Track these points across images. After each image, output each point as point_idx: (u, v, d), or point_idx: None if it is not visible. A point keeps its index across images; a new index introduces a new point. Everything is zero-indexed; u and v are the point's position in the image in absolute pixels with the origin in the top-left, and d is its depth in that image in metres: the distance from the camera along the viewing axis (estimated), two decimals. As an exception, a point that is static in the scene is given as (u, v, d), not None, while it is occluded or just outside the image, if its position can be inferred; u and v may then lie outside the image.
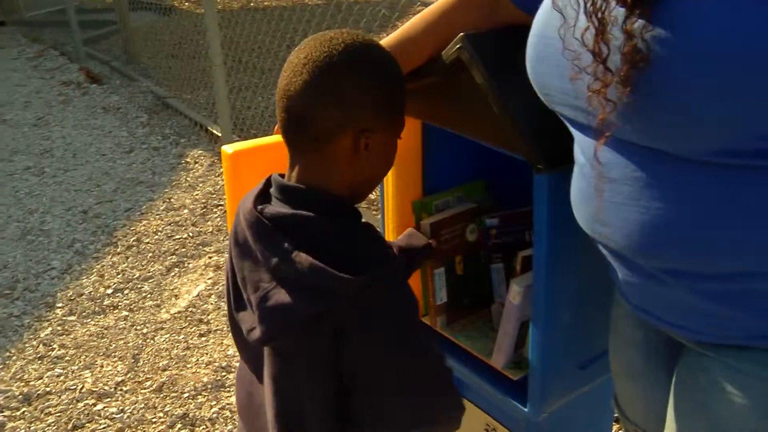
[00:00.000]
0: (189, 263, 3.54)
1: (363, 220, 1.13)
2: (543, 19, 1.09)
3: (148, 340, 3.00)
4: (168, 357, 2.89)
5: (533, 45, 1.10)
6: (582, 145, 1.06)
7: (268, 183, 1.15)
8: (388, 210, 1.62)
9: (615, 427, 2.28)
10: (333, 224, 1.06)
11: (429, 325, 1.61)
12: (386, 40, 1.38)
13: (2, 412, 2.64)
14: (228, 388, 2.68)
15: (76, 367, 2.87)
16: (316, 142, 1.09)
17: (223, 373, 2.76)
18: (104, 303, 3.27)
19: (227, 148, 1.37)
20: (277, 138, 1.40)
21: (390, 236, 1.65)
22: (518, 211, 1.61)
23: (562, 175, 1.17)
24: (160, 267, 3.53)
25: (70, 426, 2.55)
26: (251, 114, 5.08)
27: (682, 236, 0.95)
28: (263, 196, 1.13)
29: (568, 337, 1.38)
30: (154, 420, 2.57)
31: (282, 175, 1.15)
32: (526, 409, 1.42)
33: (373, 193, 3.56)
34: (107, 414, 2.60)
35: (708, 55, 0.84)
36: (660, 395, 1.21)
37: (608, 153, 1.00)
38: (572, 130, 1.09)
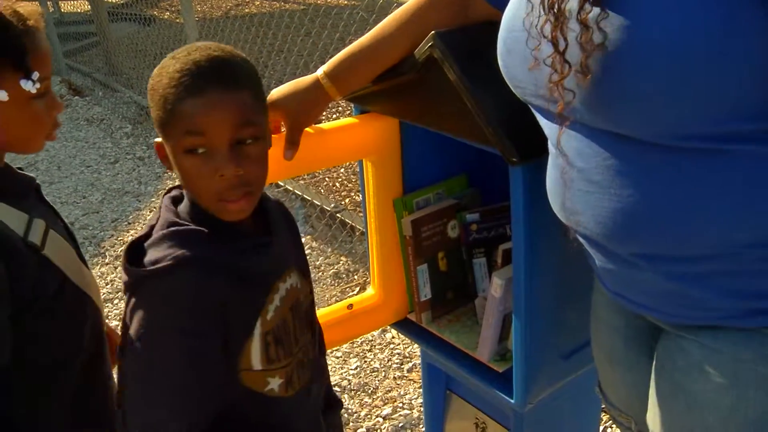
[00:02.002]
0: (177, 271, 3.55)
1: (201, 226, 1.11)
2: (511, 13, 1.11)
3: (138, 350, 3.00)
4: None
5: (502, 39, 1.12)
6: (551, 136, 1.08)
7: None
8: (370, 209, 1.63)
9: (605, 417, 2.31)
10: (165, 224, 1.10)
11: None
12: (360, 41, 1.40)
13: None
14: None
15: (68, 379, 2.87)
16: None
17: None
18: (93, 314, 3.27)
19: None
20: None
21: (373, 236, 1.66)
22: (498, 205, 1.63)
23: (537, 167, 1.19)
24: (149, 276, 3.53)
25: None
26: (235, 121, 5.07)
27: (653, 221, 0.97)
28: None
29: (550, 327, 1.40)
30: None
31: None
32: (512, 401, 1.44)
33: (359, 194, 3.49)
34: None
35: (663, 42, 0.86)
36: (642, 379, 1.23)
37: (578, 142, 1.02)
38: (542, 120, 1.11)
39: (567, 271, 1.35)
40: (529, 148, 1.21)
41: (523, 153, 1.21)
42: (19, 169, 1.32)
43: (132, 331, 1.07)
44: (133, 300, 1.08)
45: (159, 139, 1.10)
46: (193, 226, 1.09)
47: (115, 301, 3.33)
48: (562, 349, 1.45)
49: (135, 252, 1.10)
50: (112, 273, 3.58)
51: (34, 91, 1.18)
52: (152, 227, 1.12)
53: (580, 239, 1.12)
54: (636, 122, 0.93)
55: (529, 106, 1.13)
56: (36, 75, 1.17)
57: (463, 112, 1.26)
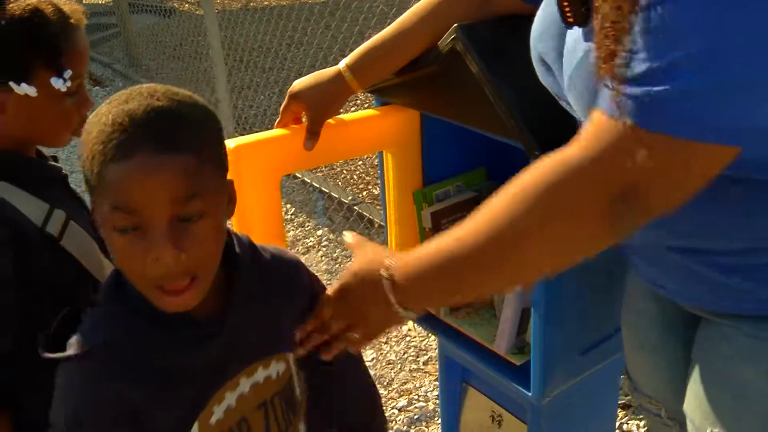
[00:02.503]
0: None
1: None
2: (540, 26, 1.11)
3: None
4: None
5: (534, 47, 1.13)
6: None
7: None
8: (390, 201, 1.64)
9: (621, 414, 2.31)
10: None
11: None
12: (382, 34, 1.41)
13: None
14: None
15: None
16: None
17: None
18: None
19: (229, 143, 1.39)
20: (278, 132, 1.42)
21: (392, 228, 1.67)
22: (518, 199, 1.63)
23: (559, 161, 1.19)
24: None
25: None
26: (253, 113, 5.10)
27: (687, 217, 0.97)
28: None
29: (569, 322, 1.40)
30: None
31: None
32: (529, 394, 1.44)
33: (377, 188, 3.46)
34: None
35: None
36: (676, 366, 1.23)
37: None
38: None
39: (589, 265, 1.34)
40: (550, 141, 1.20)
41: (545, 146, 1.21)
42: (53, 158, 1.33)
43: None
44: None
45: None
46: (116, 309, 0.94)
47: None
48: (582, 344, 1.45)
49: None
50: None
51: (64, 89, 1.19)
52: None
53: None
54: None
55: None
56: (68, 73, 1.18)
57: (484, 105, 1.26)
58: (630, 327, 1.34)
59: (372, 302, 1.04)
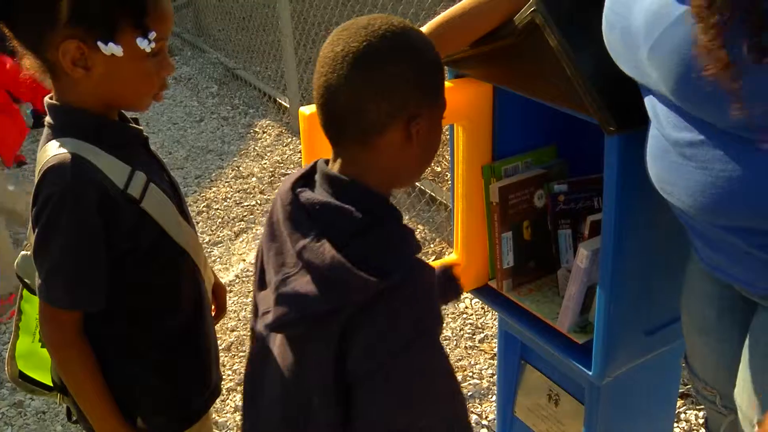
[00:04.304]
0: (257, 229, 3.63)
1: (403, 221, 1.07)
2: None
3: (217, 302, 3.09)
4: (236, 318, 2.98)
5: (605, 15, 1.12)
6: (649, 106, 1.08)
7: (313, 168, 1.10)
8: (458, 174, 1.64)
9: (679, 402, 2.27)
10: (369, 221, 1.01)
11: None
12: (459, 6, 1.40)
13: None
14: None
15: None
16: (364, 136, 1.03)
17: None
18: (175, 266, 3.36)
19: (305, 110, 1.40)
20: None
21: (459, 201, 1.67)
22: (587, 177, 1.62)
23: (633, 138, 1.18)
24: (229, 232, 3.62)
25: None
26: (319, 86, 5.11)
27: (742, 197, 0.97)
28: (305, 179, 1.10)
29: (635, 302, 1.38)
30: (222, 378, 2.65)
31: (327, 161, 1.10)
32: (590, 373, 1.43)
33: (440, 165, 3.49)
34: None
35: None
36: (732, 350, 1.21)
37: (672, 116, 1.01)
38: (642, 90, 1.11)
39: (658, 244, 1.33)
40: (626, 118, 1.20)
41: (621, 122, 1.20)
42: (134, 119, 1.36)
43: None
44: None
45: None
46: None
47: (197, 255, 3.43)
48: (647, 325, 1.44)
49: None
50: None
51: (148, 50, 1.21)
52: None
53: (674, 210, 1.12)
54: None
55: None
56: (153, 35, 1.20)
57: (561, 79, 1.25)
58: (689, 309, 1.34)
59: None
